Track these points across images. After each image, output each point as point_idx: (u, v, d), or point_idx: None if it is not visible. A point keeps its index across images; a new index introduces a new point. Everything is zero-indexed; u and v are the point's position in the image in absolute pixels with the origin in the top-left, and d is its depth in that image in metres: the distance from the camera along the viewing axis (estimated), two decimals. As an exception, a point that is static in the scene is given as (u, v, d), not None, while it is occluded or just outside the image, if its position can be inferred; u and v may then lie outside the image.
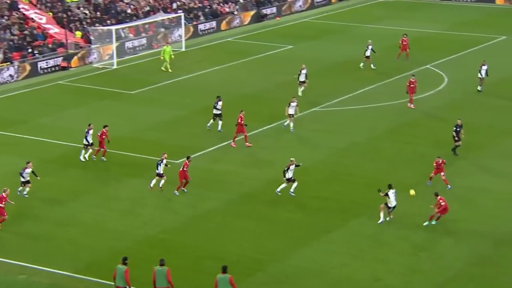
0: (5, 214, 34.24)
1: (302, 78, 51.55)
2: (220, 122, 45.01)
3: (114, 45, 61.51)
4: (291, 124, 45.17)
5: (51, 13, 65.21)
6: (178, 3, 72.74)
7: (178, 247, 32.61)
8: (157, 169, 37.64)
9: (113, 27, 62.61)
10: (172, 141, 44.49)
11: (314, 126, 46.72)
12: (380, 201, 34.60)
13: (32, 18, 63.68)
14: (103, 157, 41.44)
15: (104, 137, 40.98)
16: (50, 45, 61.19)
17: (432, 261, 31.21)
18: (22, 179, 37.24)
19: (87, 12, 66.93)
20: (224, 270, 27.17)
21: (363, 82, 55.05)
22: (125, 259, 27.89)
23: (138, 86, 55.22)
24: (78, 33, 63.56)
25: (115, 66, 60.86)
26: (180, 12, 69.32)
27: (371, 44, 58.14)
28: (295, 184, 36.81)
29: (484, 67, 52.33)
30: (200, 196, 37.23)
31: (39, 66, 58.73)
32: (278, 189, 36.96)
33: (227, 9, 75.11)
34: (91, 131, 41.09)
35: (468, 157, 39.78)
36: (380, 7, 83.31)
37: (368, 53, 57.79)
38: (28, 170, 37.24)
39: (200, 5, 74.11)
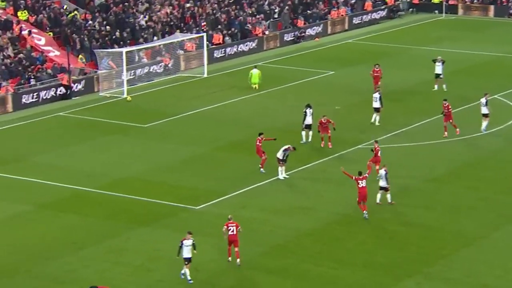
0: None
1: (376, 105, 52.82)
2: (310, 133, 49.53)
3: (125, 70, 61.74)
4: None
5: (51, 34, 65.67)
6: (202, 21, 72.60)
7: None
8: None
9: (124, 50, 62.85)
10: (190, 184, 44.36)
11: (357, 167, 45.92)
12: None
13: (29, 39, 64.09)
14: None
15: (259, 144, 45.09)
16: (49, 70, 61.52)
17: None
18: (186, 255, 34.06)
19: (96, 27, 66.96)
20: None
21: (417, 114, 54.63)
22: None
23: (152, 119, 55.30)
24: (81, 57, 63.87)
25: (125, 95, 61.06)
26: (202, 33, 69.41)
27: (440, 60, 59.14)
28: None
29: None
30: (224, 248, 36.86)
31: (41, 95, 59.23)
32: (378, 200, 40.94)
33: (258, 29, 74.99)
34: None
35: None
36: (439, 27, 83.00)
37: (439, 70, 58.72)
38: (189, 242, 34.21)
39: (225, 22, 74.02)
